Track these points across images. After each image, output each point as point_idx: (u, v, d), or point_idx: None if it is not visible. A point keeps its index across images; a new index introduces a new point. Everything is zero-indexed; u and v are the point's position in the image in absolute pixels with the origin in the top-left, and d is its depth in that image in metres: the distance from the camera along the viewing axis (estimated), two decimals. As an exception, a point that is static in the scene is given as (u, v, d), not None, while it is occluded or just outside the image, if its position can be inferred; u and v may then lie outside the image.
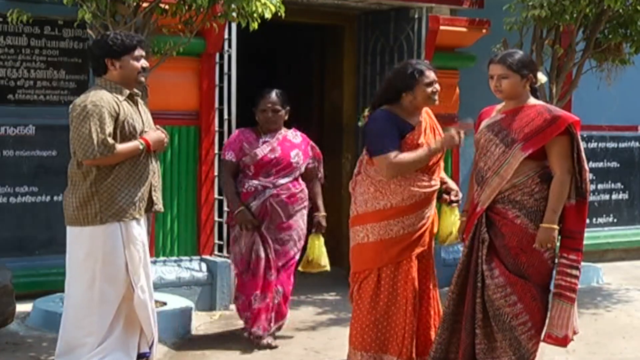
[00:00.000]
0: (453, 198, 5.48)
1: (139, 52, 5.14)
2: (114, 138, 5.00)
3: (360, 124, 5.56)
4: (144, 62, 5.16)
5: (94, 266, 5.07)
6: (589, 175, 5.10)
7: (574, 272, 5.03)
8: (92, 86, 5.16)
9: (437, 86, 5.38)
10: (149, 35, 6.61)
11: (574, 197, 5.04)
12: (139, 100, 5.26)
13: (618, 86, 9.27)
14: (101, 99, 4.99)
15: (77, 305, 5.14)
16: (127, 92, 5.14)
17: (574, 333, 5.18)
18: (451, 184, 5.55)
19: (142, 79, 5.20)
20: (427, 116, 5.46)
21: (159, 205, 5.34)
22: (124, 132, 5.06)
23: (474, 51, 8.81)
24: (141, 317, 5.27)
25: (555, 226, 4.96)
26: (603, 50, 8.57)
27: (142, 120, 5.22)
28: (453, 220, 5.46)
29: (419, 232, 5.37)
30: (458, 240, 5.49)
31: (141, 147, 5.08)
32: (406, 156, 5.23)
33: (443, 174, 5.62)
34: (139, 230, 5.19)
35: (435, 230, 5.57)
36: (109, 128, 4.95)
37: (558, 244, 5.07)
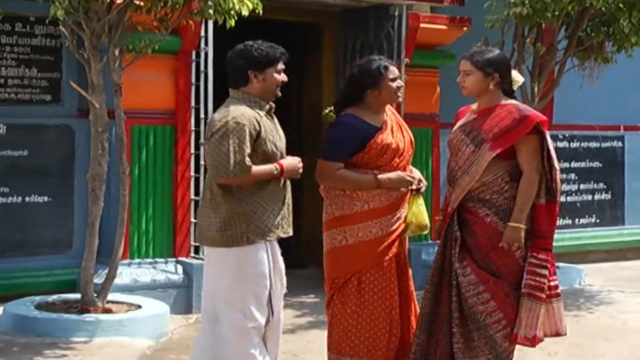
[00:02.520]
0: (414, 187, 5.41)
1: (281, 65, 4.98)
2: (256, 156, 4.83)
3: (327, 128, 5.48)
4: (284, 76, 5.00)
5: (243, 288, 4.88)
6: (559, 175, 5.14)
7: (543, 271, 5.06)
8: (229, 99, 4.94)
9: (400, 82, 5.38)
10: (123, 33, 6.58)
11: (544, 196, 5.08)
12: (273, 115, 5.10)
13: (601, 85, 9.31)
14: (242, 116, 4.79)
15: (230, 330, 4.91)
16: (268, 106, 4.95)
17: (557, 335, 5.21)
18: (415, 172, 5.49)
19: (279, 93, 5.01)
20: (391, 114, 5.43)
21: (291, 229, 5.13)
22: (266, 150, 4.87)
23: (454, 49, 8.81)
24: (274, 340, 5.10)
25: (522, 225, 5.00)
26: (585, 48, 8.62)
27: (280, 136, 5.04)
28: (415, 210, 5.38)
29: (396, 232, 5.35)
30: (424, 231, 5.45)
31: (275, 172, 4.89)
32: (347, 174, 5.20)
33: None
34: (279, 250, 5.06)
35: None
36: (248, 148, 4.77)
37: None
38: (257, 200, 4.87)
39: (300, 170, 5.07)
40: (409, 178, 5.31)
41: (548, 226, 5.09)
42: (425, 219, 5.39)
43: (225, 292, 4.91)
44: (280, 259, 5.06)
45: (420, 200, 5.41)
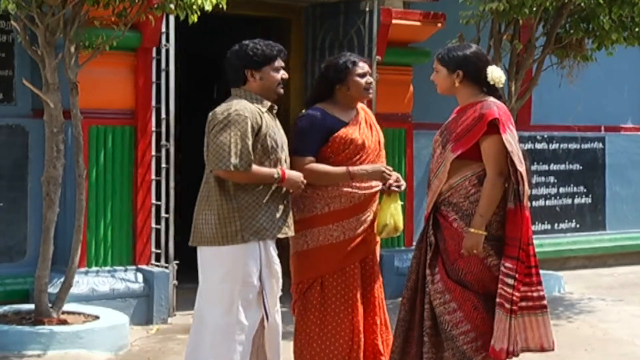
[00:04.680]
0: (391, 181, 5.43)
1: (279, 62, 5.15)
2: (255, 152, 4.97)
3: None
4: (283, 73, 5.16)
5: (233, 288, 4.99)
6: (525, 177, 5.03)
7: (509, 281, 4.98)
8: (230, 97, 5.12)
9: (370, 79, 5.45)
10: (79, 28, 6.55)
11: (513, 200, 5.03)
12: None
13: (580, 84, 9.37)
14: (245, 109, 4.98)
15: (214, 331, 5.02)
16: (268, 103, 5.13)
17: (542, 350, 5.21)
18: (393, 172, 5.52)
19: (281, 90, 5.19)
20: (362, 112, 5.50)
21: (292, 230, 5.24)
22: (265, 146, 5.02)
23: (428, 46, 8.85)
24: (272, 344, 5.19)
25: (481, 232, 4.93)
26: (564, 46, 8.66)
27: (282, 135, 5.18)
28: (391, 210, 5.39)
29: (360, 236, 5.38)
30: (398, 233, 5.47)
31: (276, 176, 5.03)
32: (319, 167, 5.27)
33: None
34: (275, 251, 5.16)
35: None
36: (250, 140, 4.93)
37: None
38: (253, 197, 5.02)
39: (302, 186, 5.18)
40: (384, 169, 5.34)
41: (513, 233, 4.98)
42: (401, 222, 5.42)
43: (212, 291, 5.04)
44: (277, 260, 5.16)
45: (398, 201, 5.44)
